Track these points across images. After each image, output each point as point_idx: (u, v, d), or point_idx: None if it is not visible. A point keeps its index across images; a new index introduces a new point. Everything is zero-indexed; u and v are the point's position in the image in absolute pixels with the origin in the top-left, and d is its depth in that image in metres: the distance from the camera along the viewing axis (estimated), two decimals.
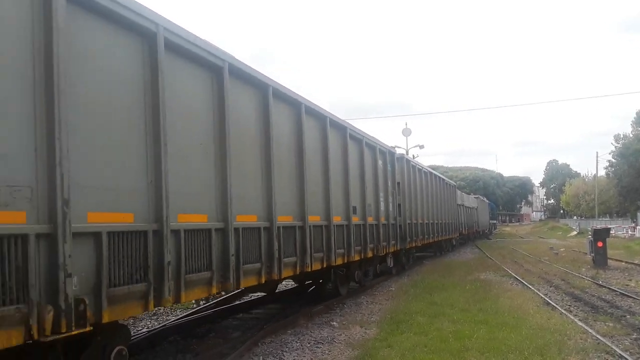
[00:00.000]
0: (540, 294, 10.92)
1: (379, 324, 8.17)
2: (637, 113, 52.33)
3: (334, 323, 8.22)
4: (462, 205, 29.54)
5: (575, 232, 48.38)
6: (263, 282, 6.34)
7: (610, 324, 8.00)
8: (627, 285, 12.61)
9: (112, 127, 4.11)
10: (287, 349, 6.63)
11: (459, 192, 29.67)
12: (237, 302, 9.92)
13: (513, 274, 14.81)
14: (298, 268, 7.30)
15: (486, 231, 45.46)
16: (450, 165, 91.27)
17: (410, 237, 14.92)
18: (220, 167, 5.51)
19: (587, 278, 13.76)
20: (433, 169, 21.85)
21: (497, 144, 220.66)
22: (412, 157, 23.33)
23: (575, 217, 73.33)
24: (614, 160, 55.10)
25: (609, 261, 17.34)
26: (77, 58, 3.79)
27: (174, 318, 8.69)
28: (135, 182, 4.30)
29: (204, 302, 9.64)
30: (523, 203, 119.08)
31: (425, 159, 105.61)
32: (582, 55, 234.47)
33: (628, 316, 8.64)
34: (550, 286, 12.50)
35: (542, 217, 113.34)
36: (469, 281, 13.25)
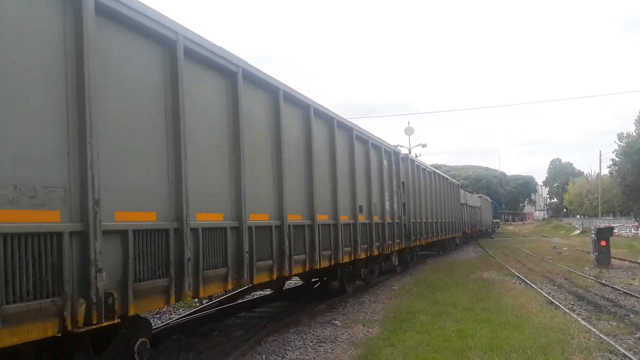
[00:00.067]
0: (544, 293, 10.98)
1: (381, 322, 8.20)
2: None
3: (337, 322, 8.27)
4: (466, 205, 29.71)
5: (578, 231, 48.43)
6: (275, 278, 6.58)
7: (614, 323, 8.04)
8: (630, 284, 12.62)
9: (136, 132, 4.35)
10: (289, 347, 6.67)
11: (462, 191, 29.85)
12: (240, 301, 9.98)
13: (516, 273, 14.86)
14: (307, 265, 7.54)
15: (489, 230, 45.60)
16: (453, 164, 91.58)
17: (415, 236, 15.13)
18: (235, 169, 5.75)
19: (591, 277, 13.78)
20: (436, 167, 22.05)
21: (500, 142, 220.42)
22: (414, 156, 23.50)
23: (578, 216, 73.30)
24: (617, 159, 55.06)
25: (613, 260, 17.37)
26: (104, 66, 4.02)
27: (177, 316, 8.76)
28: (157, 183, 4.54)
29: (207, 300, 9.75)
30: (526, 202, 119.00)
31: (428, 158, 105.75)
32: (585, 54, 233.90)
33: (631, 315, 8.68)
34: (553, 285, 12.54)
35: (545, 216, 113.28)
36: (472, 280, 13.26)
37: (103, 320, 3.77)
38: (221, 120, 5.64)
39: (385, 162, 12.27)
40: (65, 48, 3.71)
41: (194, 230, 4.92)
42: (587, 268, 16.26)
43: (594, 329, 7.43)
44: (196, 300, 9.61)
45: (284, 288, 11.00)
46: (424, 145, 41.40)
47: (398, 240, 13.22)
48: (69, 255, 3.58)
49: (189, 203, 4.79)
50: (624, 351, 6.24)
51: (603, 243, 16.95)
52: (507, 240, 37.30)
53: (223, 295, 10.05)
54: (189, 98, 4.92)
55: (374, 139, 11.38)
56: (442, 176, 21.56)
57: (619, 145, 54.69)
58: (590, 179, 74.61)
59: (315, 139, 8.05)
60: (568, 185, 79.93)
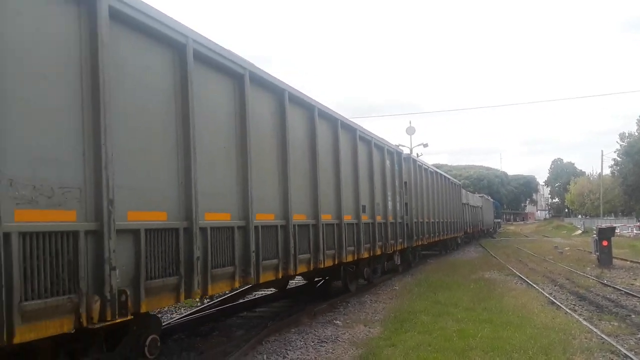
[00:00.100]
0: (545, 293, 10.99)
1: (382, 322, 8.20)
2: None
3: (338, 322, 8.28)
4: (467, 204, 29.80)
5: (580, 231, 48.43)
6: (280, 277, 6.70)
7: (615, 324, 8.05)
8: (632, 284, 12.59)
9: (148, 133, 4.46)
10: (291, 347, 6.69)
11: (463, 191, 29.93)
12: (241, 301, 10.01)
13: (517, 273, 14.82)
14: (312, 264, 7.65)
15: (490, 230, 45.66)
16: (454, 164, 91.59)
17: (417, 236, 15.23)
18: (242, 169, 5.86)
19: (592, 277, 13.78)
20: (437, 167, 22.13)
21: (501, 142, 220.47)
22: (416, 155, 23.62)
23: (580, 216, 73.26)
24: (619, 158, 55.05)
25: (614, 260, 17.38)
26: (117, 70, 4.13)
27: (178, 316, 8.77)
28: (167, 184, 4.65)
29: (207, 300, 9.70)
30: (527, 202, 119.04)
31: (429, 158, 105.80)
32: (585, 54, 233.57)
33: (633, 315, 8.70)
34: (554, 285, 12.56)
35: (547, 216, 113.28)
36: (474, 280, 13.27)
37: (117, 317, 3.89)
38: (229, 122, 5.75)
39: (387, 162, 12.37)
40: (81, 52, 3.82)
41: (203, 230, 5.03)
42: (588, 268, 16.28)
43: (595, 330, 7.45)
44: (197, 299, 9.60)
45: (287, 287, 11.12)
46: (425, 145, 41.46)
47: (400, 240, 13.32)
48: (85, 253, 3.69)
49: (198, 203, 4.90)
50: (625, 351, 6.25)
51: (605, 243, 16.96)
52: (509, 240, 37.33)
53: (224, 295, 10.07)
54: (198, 101, 5.03)
55: (376, 140, 11.48)
56: (444, 176, 21.66)
57: (620, 145, 54.69)
58: (592, 178, 74.62)
59: (320, 139, 8.16)
60: (570, 185, 79.93)
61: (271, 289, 10.92)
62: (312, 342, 6.99)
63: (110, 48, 3.99)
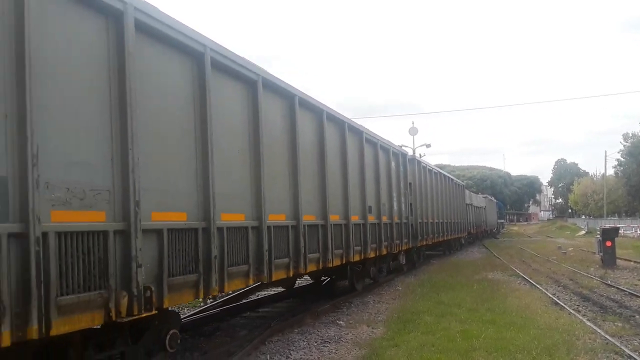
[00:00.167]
0: (549, 294, 10.98)
1: (385, 323, 8.19)
2: None
3: (341, 322, 8.30)
4: (471, 205, 29.97)
5: (583, 232, 48.43)
6: (291, 275, 6.93)
7: (619, 324, 8.03)
8: (636, 285, 12.55)
9: (169, 138, 4.71)
10: (294, 347, 6.70)
11: (467, 191, 30.10)
12: (244, 301, 10.09)
13: (521, 274, 14.81)
14: (321, 263, 7.88)
15: (494, 230, 45.77)
16: (457, 164, 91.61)
17: (422, 236, 15.44)
18: (255, 171, 6.11)
19: (596, 278, 13.76)
20: (440, 167, 22.32)
21: (504, 142, 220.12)
22: (418, 155, 23.80)
23: (583, 217, 73.26)
24: (622, 159, 55.13)
25: (618, 261, 17.35)
26: (142, 79, 4.37)
27: (182, 316, 8.56)
28: (187, 186, 4.89)
29: (211, 300, 9.65)
30: (531, 202, 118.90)
31: (432, 158, 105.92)
32: (586, 54, 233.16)
33: (637, 316, 8.70)
34: (558, 286, 12.55)
35: (550, 216, 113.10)
36: (477, 280, 13.28)
37: (142, 312, 4.13)
38: (243, 127, 6.00)
39: (393, 163, 12.59)
40: (109, 62, 4.06)
41: (220, 230, 5.27)
42: (592, 269, 16.26)
43: (599, 330, 7.45)
44: (200, 299, 9.69)
45: (294, 286, 11.34)
46: (428, 145, 41.50)
47: (405, 240, 13.54)
48: (113, 251, 3.93)
49: (215, 204, 5.14)
50: (629, 352, 6.25)
51: (608, 244, 16.96)
52: (512, 241, 37.33)
53: (227, 295, 10.09)
54: (215, 107, 5.27)
55: (382, 142, 11.71)
56: (448, 177, 21.85)
57: (624, 146, 54.77)
58: (595, 179, 74.56)
59: (328, 142, 8.40)
60: (573, 185, 79.90)
61: (273, 289, 11.14)
62: (315, 342, 7.03)
63: (136, 58, 4.24)
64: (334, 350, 6.62)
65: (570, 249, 25.84)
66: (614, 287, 12.12)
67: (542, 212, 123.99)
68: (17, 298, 3.24)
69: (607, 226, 19.12)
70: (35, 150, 3.33)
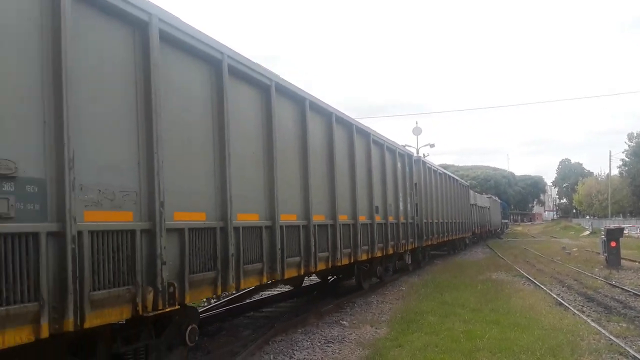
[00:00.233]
0: (553, 294, 11.00)
1: (389, 323, 8.20)
2: None
3: (344, 322, 8.34)
4: (475, 205, 30.13)
5: (588, 232, 48.41)
6: (302, 273, 7.16)
7: (624, 325, 8.02)
8: None
9: (189, 142, 4.95)
10: (297, 347, 6.74)
11: (471, 192, 30.26)
12: (248, 301, 10.20)
13: (525, 274, 14.83)
14: (330, 262, 8.11)
15: (498, 230, 45.87)
16: (461, 164, 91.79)
17: (427, 236, 15.64)
18: (269, 173, 6.34)
19: (600, 278, 13.73)
20: (444, 167, 22.51)
21: (508, 142, 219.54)
22: (422, 155, 23.97)
23: (588, 217, 73.15)
24: (627, 159, 55.09)
25: (622, 261, 17.31)
26: (166, 86, 4.61)
27: None
28: (206, 187, 5.14)
29: (215, 300, 9.78)
30: (535, 202, 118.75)
31: (436, 158, 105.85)
32: (586, 54, 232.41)
33: None
34: (562, 286, 12.55)
35: (555, 216, 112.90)
36: (481, 281, 13.31)
37: (167, 306, 4.37)
38: (257, 130, 6.23)
39: (399, 164, 12.81)
40: (135, 71, 4.30)
41: (236, 229, 5.50)
42: (596, 269, 16.24)
43: (603, 331, 7.45)
44: (204, 299, 9.69)
45: (302, 284, 11.59)
46: (432, 145, 41.69)
47: (411, 240, 13.76)
48: (140, 249, 4.17)
49: (232, 205, 5.38)
50: (634, 353, 6.27)
51: (613, 244, 16.97)
52: (516, 241, 37.37)
53: (230, 295, 10.25)
54: (231, 112, 5.50)
55: (388, 143, 11.93)
56: (453, 177, 22.03)
57: (629, 145, 54.72)
58: (600, 179, 74.50)
59: (337, 144, 8.63)
60: (577, 185, 79.83)
61: (277, 289, 11.37)
62: (319, 342, 7.08)
63: (160, 66, 4.47)
64: (337, 351, 6.67)
65: (574, 249, 25.84)
66: (618, 287, 12.08)
67: (546, 212, 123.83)
68: (54, 293, 3.48)
69: (612, 226, 19.14)
70: (72, 155, 3.58)
